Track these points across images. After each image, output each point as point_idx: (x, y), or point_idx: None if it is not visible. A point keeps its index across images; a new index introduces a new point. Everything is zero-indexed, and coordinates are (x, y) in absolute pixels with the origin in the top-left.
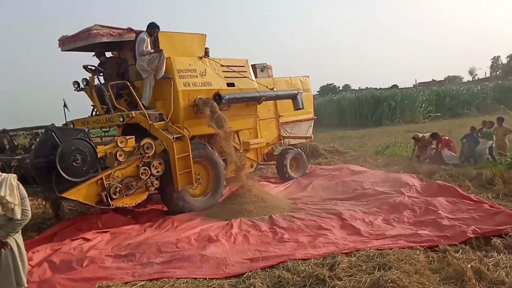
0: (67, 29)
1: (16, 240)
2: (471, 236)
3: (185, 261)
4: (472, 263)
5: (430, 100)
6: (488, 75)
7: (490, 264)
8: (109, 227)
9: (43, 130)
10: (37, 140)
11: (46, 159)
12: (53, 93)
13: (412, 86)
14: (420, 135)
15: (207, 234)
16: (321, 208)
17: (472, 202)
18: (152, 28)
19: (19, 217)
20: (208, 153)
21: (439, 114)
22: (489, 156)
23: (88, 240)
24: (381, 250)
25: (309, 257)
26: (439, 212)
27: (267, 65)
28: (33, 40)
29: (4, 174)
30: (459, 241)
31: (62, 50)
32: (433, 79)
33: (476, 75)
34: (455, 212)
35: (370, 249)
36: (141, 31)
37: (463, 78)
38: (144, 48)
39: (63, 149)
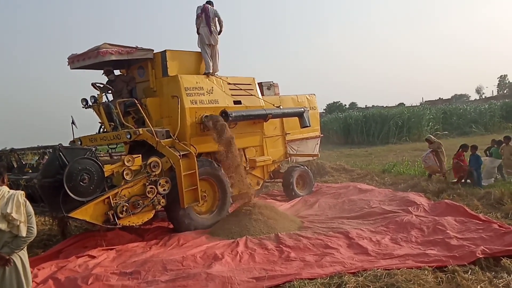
0: (76, 47)
1: (21, 257)
2: (480, 256)
3: (190, 280)
4: (481, 284)
5: (437, 118)
6: (495, 93)
7: (500, 285)
8: (114, 244)
9: (50, 150)
10: (45, 160)
11: (54, 179)
12: (62, 109)
13: (419, 104)
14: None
15: (212, 252)
16: (328, 227)
17: (480, 222)
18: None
19: (24, 235)
20: (214, 171)
21: (446, 132)
22: (498, 175)
23: (94, 257)
24: (389, 270)
25: (316, 276)
26: (448, 231)
27: (273, 83)
28: (45, 56)
29: (12, 191)
30: (468, 261)
31: (71, 68)
32: (440, 98)
33: (483, 93)
34: (463, 232)
35: (378, 269)
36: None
37: (470, 96)
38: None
39: (70, 169)
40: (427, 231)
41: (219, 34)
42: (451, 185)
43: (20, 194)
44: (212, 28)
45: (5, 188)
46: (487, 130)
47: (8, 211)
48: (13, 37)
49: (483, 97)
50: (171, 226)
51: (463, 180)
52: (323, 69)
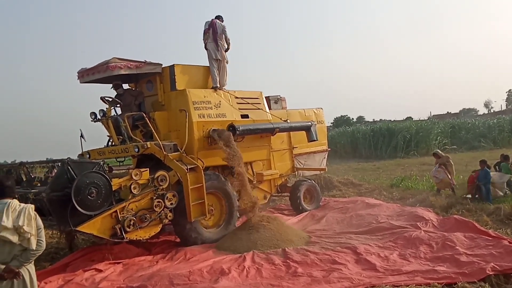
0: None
1: (29, 270)
2: (491, 273)
3: None
4: None
5: (445, 132)
6: (504, 108)
7: None
8: (121, 258)
9: (59, 163)
10: (54, 173)
11: (62, 193)
12: (71, 122)
13: (426, 118)
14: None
15: (219, 267)
16: (336, 242)
17: (490, 238)
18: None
19: (34, 248)
20: (221, 184)
21: (454, 146)
22: (507, 190)
23: (100, 271)
24: (397, 286)
25: None
26: (457, 247)
27: (281, 97)
28: (54, 72)
29: (22, 204)
30: (478, 278)
31: (81, 82)
32: (448, 112)
33: (491, 107)
34: (473, 248)
35: (386, 285)
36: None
37: (478, 110)
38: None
39: (78, 183)
40: (436, 247)
41: (226, 51)
42: (460, 200)
43: (31, 208)
44: (219, 43)
45: (16, 202)
46: (496, 144)
47: (20, 224)
48: (21, 50)
49: (492, 111)
50: (178, 240)
51: (470, 196)
52: (330, 83)
